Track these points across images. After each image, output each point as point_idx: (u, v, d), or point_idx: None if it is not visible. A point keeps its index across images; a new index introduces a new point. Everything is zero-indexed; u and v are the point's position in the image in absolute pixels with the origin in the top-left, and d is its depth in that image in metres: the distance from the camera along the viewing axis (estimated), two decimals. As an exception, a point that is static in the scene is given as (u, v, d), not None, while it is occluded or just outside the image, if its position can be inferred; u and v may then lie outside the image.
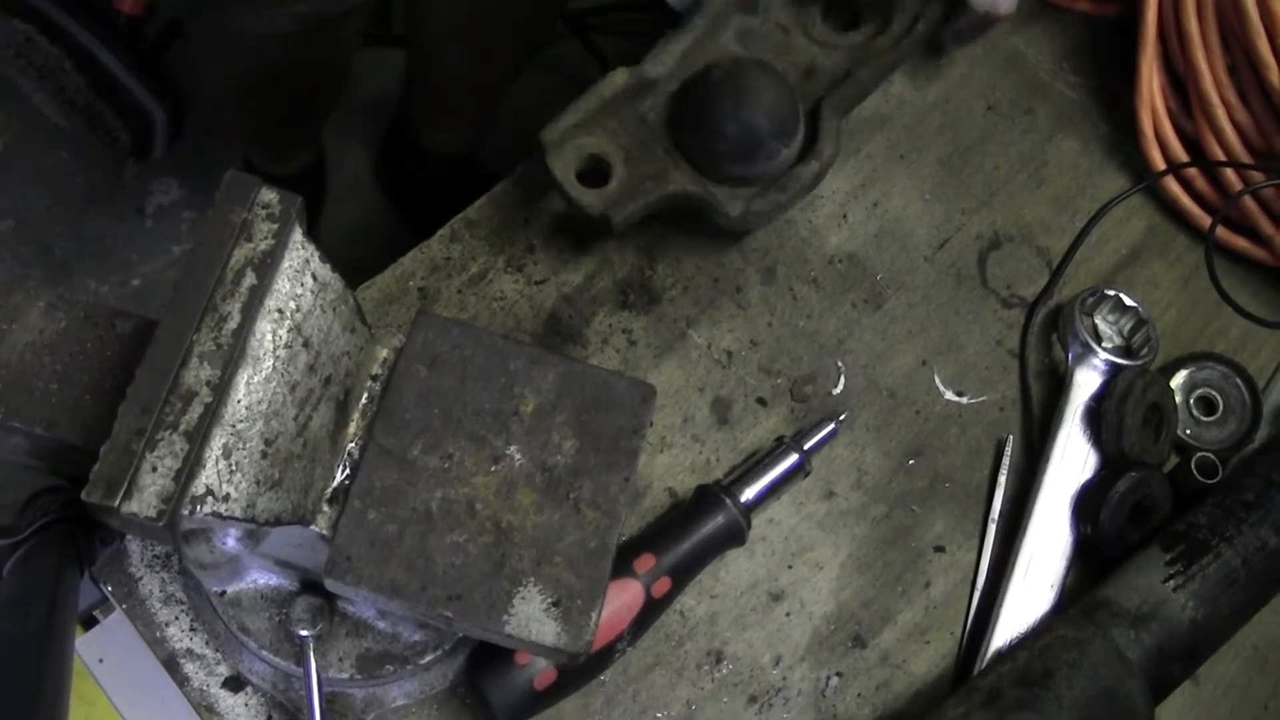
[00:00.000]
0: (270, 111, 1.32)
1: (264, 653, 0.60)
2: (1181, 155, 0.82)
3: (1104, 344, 0.75)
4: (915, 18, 0.75)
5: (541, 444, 0.54)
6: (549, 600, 0.51)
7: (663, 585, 0.63)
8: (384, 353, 0.57)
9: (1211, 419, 0.77)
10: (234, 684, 0.63)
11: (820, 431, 0.70)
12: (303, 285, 0.50)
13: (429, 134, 1.55)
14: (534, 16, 1.25)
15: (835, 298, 0.77)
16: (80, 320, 0.51)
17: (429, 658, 0.60)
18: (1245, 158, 0.80)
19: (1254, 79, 0.78)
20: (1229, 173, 0.80)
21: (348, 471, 0.54)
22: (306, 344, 0.50)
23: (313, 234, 0.51)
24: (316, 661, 0.58)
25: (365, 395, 0.55)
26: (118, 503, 0.43)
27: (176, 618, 0.63)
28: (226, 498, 0.46)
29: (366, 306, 0.69)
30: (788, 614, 0.69)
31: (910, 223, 0.80)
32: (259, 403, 0.48)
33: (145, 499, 0.44)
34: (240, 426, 0.47)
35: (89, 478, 0.44)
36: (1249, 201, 0.80)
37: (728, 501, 0.66)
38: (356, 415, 0.55)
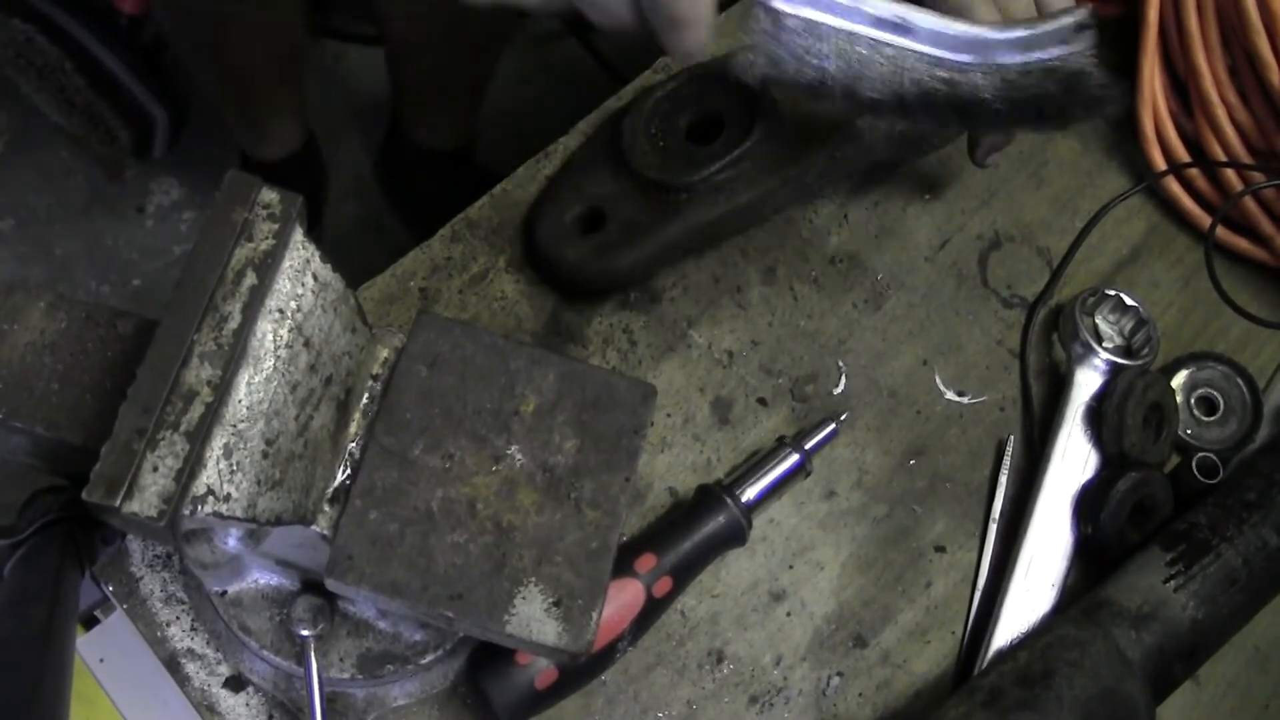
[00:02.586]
0: (217, 65, 1.30)
1: (265, 652, 0.60)
2: (1182, 155, 0.82)
3: (1104, 344, 0.75)
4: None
5: (542, 444, 0.54)
6: (550, 600, 0.52)
7: (664, 585, 0.63)
8: (385, 353, 0.57)
9: (1212, 419, 0.77)
10: (235, 684, 0.63)
11: (821, 431, 0.70)
12: (303, 285, 0.50)
13: (419, 129, 1.55)
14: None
15: (836, 297, 0.77)
16: (81, 320, 0.51)
17: (430, 657, 0.60)
18: (1246, 158, 0.80)
19: (1254, 79, 0.78)
20: (1229, 173, 0.80)
21: (349, 471, 0.54)
22: (307, 344, 0.50)
23: (314, 234, 0.51)
24: (317, 661, 0.58)
25: (366, 395, 0.56)
26: (119, 502, 0.43)
27: (177, 617, 0.63)
28: (227, 497, 0.46)
29: (367, 306, 0.69)
30: (788, 614, 0.69)
31: (910, 223, 0.80)
32: (260, 402, 0.48)
33: (146, 499, 0.44)
34: (241, 426, 0.47)
35: (90, 477, 0.44)
36: (1249, 202, 0.80)
37: (729, 501, 0.66)
38: (357, 415, 0.55)
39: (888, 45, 0.58)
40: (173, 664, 0.63)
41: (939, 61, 0.59)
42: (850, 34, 0.58)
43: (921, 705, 0.69)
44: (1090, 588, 0.69)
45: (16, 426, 0.49)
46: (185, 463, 0.45)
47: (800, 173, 0.71)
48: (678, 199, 0.70)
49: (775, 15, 0.57)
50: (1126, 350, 0.76)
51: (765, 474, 0.67)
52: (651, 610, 0.63)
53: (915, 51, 0.59)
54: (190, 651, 0.63)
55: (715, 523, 0.65)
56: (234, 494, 0.46)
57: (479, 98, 1.46)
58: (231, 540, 0.54)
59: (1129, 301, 0.76)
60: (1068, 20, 0.59)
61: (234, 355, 0.47)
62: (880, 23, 0.58)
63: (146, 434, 0.45)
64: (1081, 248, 0.81)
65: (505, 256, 0.73)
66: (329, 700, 0.62)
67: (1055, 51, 0.59)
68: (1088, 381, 0.74)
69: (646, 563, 0.63)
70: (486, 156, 1.59)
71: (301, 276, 0.50)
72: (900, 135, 0.72)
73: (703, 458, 0.71)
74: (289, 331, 0.49)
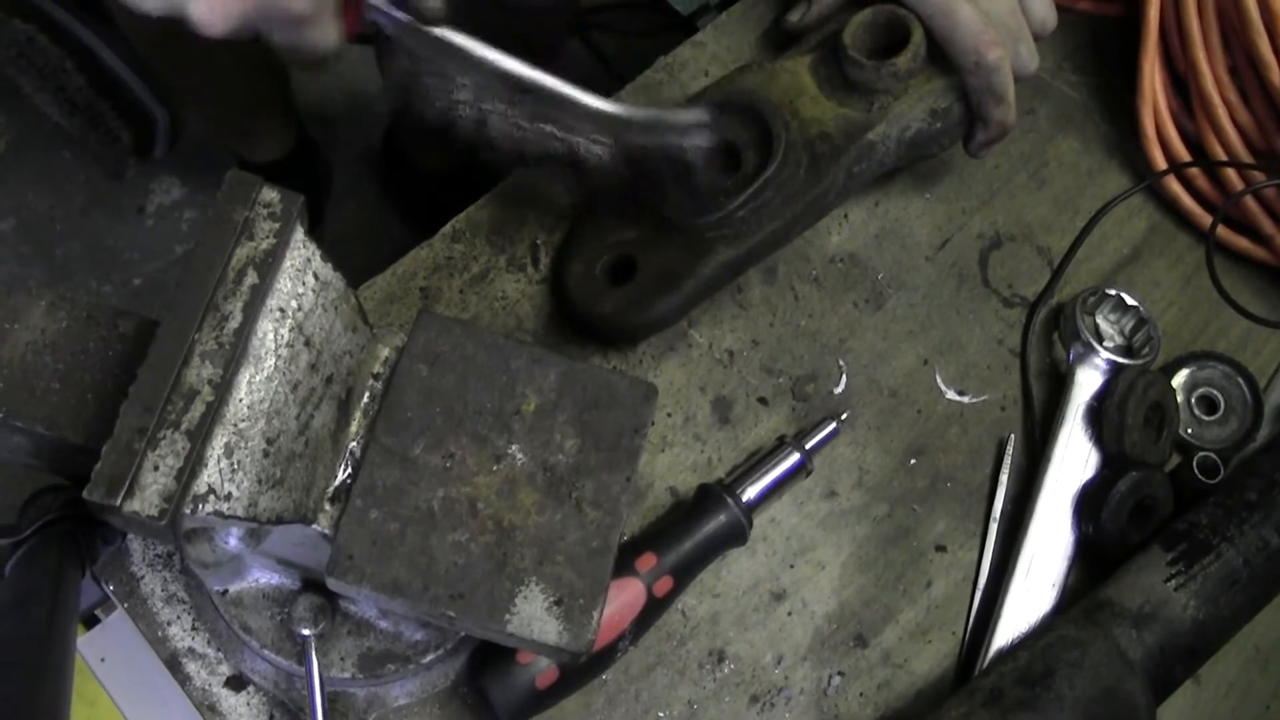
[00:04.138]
0: (207, 80, 1.30)
1: (266, 652, 0.60)
2: (1183, 155, 0.82)
3: (1105, 343, 0.75)
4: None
5: (543, 443, 0.54)
6: (551, 599, 0.52)
7: (664, 584, 0.63)
8: (385, 352, 0.57)
9: (1213, 418, 0.77)
10: (236, 683, 0.63)
11: (822, 431, 0.70)
12: (304, 284, 0.50)
13: (418, 158, 1.55)
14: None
15: (836, 297, 0.77)
16: (82, 320, 0.51)
17: (431, 657, 0.60)
18: (1246, 157, 0.80)
19: (1255, 78, 0.78)
20: (1230, 172, 0.80)
21: (349, 470, 0.54)
22: (308, 343, 0.50)
23: (315, 232, 0.51)
24: (318, 661, 0.58)
25: (367, 394, 0.56)
26: (119, 502, 0.43)
27: (178, 617, 0.63)
28: (228, 496, 0.46)
29: (368, 306, 0.70)
30: (789, 613, 0.69)
31: (911, 222, 0.80)
32: (261, 401, 0.48)
33: (147, 498, 0.44)
34: (242, 425, 0.47)
35: (90, 476, 0.44)
36: (1250, 201, 0.80)
37: (729, 501, 0.66)
38: (358, 414, 0.55)
39: (517, 104, 0.63)
40: (173, 663, 0.63)
41: (567, 127, 0.64)
42: (480, 85, 0.62)
43: (922, 705, 0.69)
44: (1091, 588, 0.69)
45: (17, 426, 0.49)
46: (186, 462, 0.45)
47: (822, 193, 0.70)
48: (706, 238, 0.69)
49: (410, 50, 0.60)
50: (1127, 350, 0.76)
51: (766, 473, 0.67)
52: (652, 610, 0.63)
53: (544, 114, 0.64)
54: (191, 651, 0.63)
55: (716, 522, 0.65)
56: (235, 493, 0.46)
57: None
58: (232, 539, 0.54)
59: (1130, 301, 0.76)
60: (689, 117, 0.66)
61: (235, 354, 0.47)
62: (510, 81, 0.61)
63: (147, 433, 0.45)
64: (1082, 247, 0.81)
65: (506, 256, 0.73)
66: (330, 700, 0.62)
67: (673, 139, 0.66)
68: (1088, 381, 0.74)
69: (647, 562, 0.63)
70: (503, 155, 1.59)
71: (302, 275, 0.50)
72: (910, 142, 0.72)
73: (703, 457, 0.71)
74: (290, 331, 0.49)
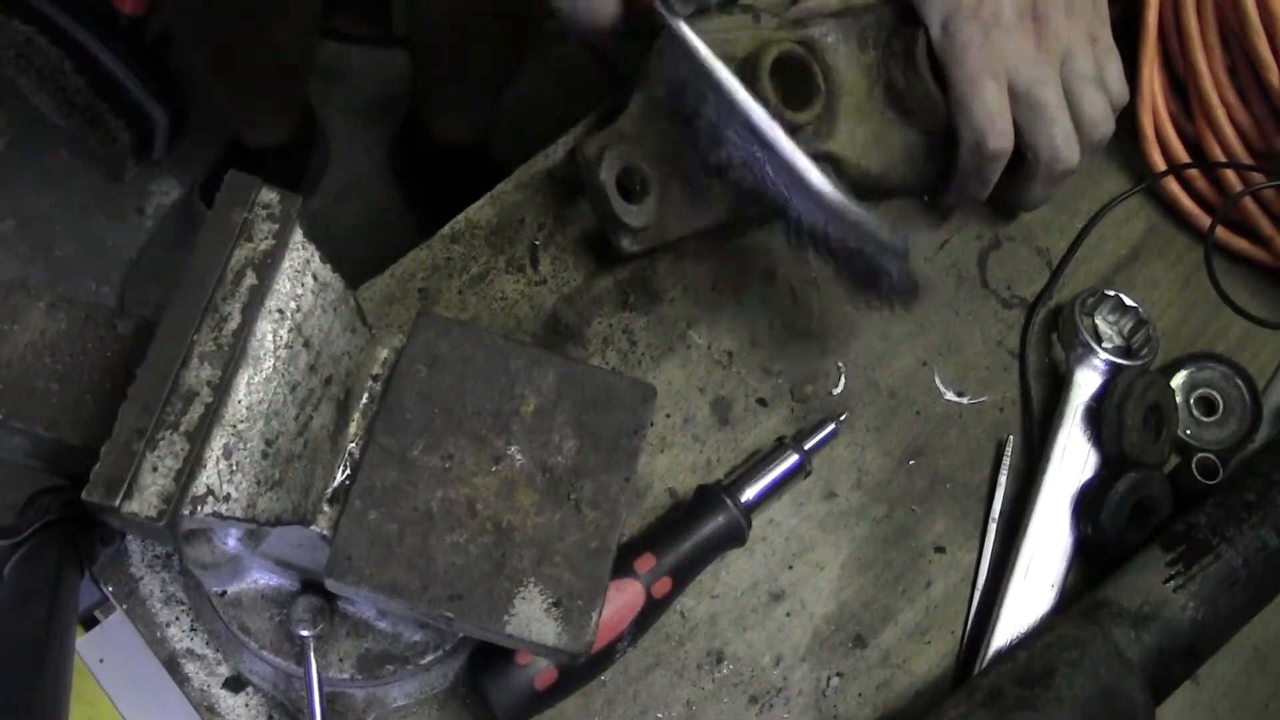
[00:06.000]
0: (233, 72, 1.33)
1: (265, 653, 0.60)
2: (1182, 156, 0.82)
3: (1104, 344, 0.75)
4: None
5: (542, 444, 0.54)
6: (550, 600, 0.52)
7: (663, 585, 0.63)
8: (384, 353, 0.57)
9: (1212, 419, 0.77)
10: (235, 684, 0.63)
11: (821, 432, 0.70)
12: (303, 285, 0.50)
13: (438, 123, 1.56)
14: (526, 6, 1.27)
15: (836, 298, 0.77)
16: (81, 320, 0.51)
17: (430, 658, 0.60)
18: (1245, 159, 0.80)
19: (1254, 80, 0.78)
20: (1229, 173, 0.80)
21: (348, 471, 0.54)
22: (307, 344, 0.50)
23: (307, 204, 0.51)
24: (317, 662, 0.58)
25: (366, 395, 0.56)
26: (118, 502, 0.43)
27: (177, 618, 0.63)
28: (227, 498, 0.46)
29: (367, 307, 0.69)
30: (788, 614, 0.69)
31: (909, 223, 0.80)
32: (260, 403, 0.48)
33: (146, 499, 0.44)
34: (241, 426, 0.47)
35: (89, 477, 0.44)
36: (1249, 202, 0.80)
37: (728, 502, 0.66)
38: (357, 415, 0.55)
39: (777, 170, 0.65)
40: (172, 664, 0.63)
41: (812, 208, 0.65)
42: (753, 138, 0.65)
43: (921, 705, 0.69)
44: (1090, 588, 0.69)
45: (16, 427, 0.49)
46: (185, 463, 0.45)
47: None
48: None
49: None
50: (1126, 350, 0.76)
51: (765, 474, 0.67)
52: (651, 611, 0.63)
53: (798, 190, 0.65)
54: (190, 652, 0.63)
55: (715, 523, 0.65)
56: (234, 494, 0.46)
57: (499, 95, 1.48)
58: (231, 540, 0.54)
59: (1128, 302, 0.76)
60: (891, 240, 0.66)
61: (234, 355, 0.47)
62: (748, 127, 0.64)
63: (146, 434, 0.45)
64: (1081, 248, 0.81)
65: (505, 257, 0.73)
66: (329, 700, 0.62)
67: (869, 247, 0.66)
68: (1087, 382, 0.74)
69: (646, 563, 0.63)
70: (496, 152, 1.59)
71: (301, 277, 0.50)
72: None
73: (702, 458, 0.71)
74: (289, 332, 0.49)
